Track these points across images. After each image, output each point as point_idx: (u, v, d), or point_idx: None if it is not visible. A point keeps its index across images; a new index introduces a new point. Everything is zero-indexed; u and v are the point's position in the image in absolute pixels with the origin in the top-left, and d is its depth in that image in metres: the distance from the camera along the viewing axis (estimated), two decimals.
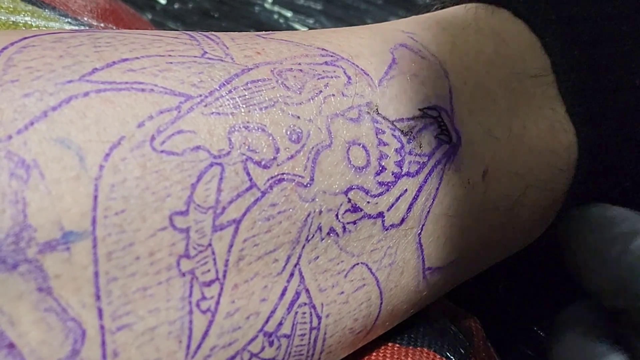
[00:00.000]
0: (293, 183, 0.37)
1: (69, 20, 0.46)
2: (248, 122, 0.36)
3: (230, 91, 0.37)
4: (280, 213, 0.37)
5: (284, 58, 0.40)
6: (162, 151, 0.33)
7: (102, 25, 0.48)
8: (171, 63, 0.36)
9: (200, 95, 0.36)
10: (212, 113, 0.35)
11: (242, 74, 0.38)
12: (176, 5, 0.81)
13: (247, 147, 0.36)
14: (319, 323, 0.39)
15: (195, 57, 0.37)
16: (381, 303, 0.42)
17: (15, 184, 0.29)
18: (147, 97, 0.34)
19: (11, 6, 0.43)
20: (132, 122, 0.33)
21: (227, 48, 0.39)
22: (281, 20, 0.81)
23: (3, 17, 0.42)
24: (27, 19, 0.43)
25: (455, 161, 0.43)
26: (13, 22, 0.42)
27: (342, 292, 0.40)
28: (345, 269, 0.40)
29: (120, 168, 0.32)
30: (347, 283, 0.40)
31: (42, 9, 0.45)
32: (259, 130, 0.37)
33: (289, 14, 0.82)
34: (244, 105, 0.37)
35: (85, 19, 0.47)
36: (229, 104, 0.36)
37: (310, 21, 0.82)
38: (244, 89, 0.37)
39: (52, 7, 0.45)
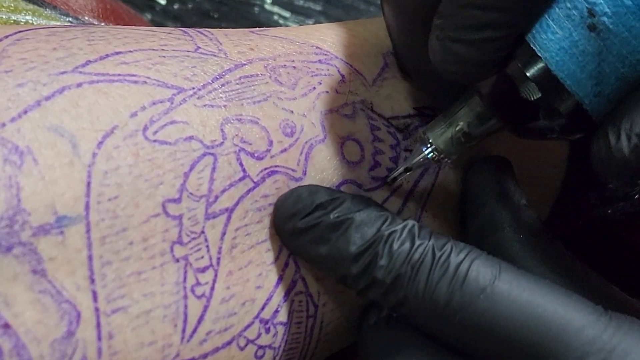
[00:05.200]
0: (285, 176, 0.38)
1: (70, 19, 0.47)
2: (241, 114, 0.37)
3: (223, 85, 0.38)
4: (271, 205, 0.38)
5: (277, 54, 0.41)
6: (155, 140, 0.34)
7: (102, 24, 0.49)
8: (164, 57, 0.37)
9: (193, 88, 0.36)
10: (205, 105, 0.36)
11: (236, 69, 0.39)
12: (176, 6, 0.82)
13: (240, 139, 0.37)
14: (316, 311, 0.39)
15: (188, 51, 0.38)
16: None
17: (9, 169, 0.30)
18: (140, 89, 0.35)
19: (12, 5, 0.44)
20: (125, 112, 0.34)
21: (221, 44, 0.40)
22: (280, 21, 0.82)
23: (4, 16, 0.43)
24: (28, 17, 0.44)
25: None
26: (14, 20, 0.43)
27: None
28: None
29: (113, 155, 0.33)
30: None
31: (43, 8, 0.46)
32: (252, 122, 0.37)
33: (288, 14, 0.83)
34: (237, 99, 0.38)
35: (86, 18, 0.48)
36: (222, 97, 0.37)
37: (310, 22, 0.82)
38: (237, 83, 0.38)
39: (53, 6, 0.46)
